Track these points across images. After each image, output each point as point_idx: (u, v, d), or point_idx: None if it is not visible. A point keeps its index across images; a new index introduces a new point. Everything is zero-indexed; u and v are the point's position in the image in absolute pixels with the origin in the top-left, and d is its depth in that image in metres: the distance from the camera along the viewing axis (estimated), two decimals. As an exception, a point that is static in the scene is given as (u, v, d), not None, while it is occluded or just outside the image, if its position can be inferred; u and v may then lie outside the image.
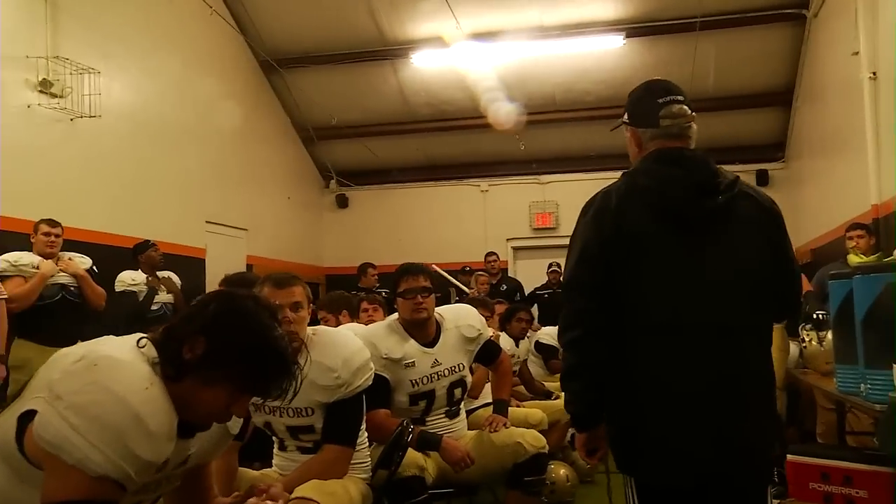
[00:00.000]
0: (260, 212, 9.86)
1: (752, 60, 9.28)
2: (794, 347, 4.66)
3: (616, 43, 9.04)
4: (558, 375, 6.42)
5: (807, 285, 4.72)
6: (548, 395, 5.54)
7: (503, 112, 9.59)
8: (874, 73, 6.23)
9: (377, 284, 8.76)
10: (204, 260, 8.52)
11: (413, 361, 3.38)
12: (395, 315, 3.52)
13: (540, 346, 6.69)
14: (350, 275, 9.75)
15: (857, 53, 6.44)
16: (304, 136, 11.17)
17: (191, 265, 8.11)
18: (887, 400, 2.76)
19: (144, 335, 1.65)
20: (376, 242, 11.03)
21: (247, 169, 9.59)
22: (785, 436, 4.94)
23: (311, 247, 11.55)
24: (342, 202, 11.84)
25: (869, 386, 2.92)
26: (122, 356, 1.55)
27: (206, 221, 8.66)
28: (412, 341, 3.42)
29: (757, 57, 9.26)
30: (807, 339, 3.97)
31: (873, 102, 6.23)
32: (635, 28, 9.04)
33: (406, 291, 3.38)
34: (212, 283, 8.47)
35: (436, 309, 3.55)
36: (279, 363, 1.65)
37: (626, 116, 2.19)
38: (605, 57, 9.25)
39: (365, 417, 3.01)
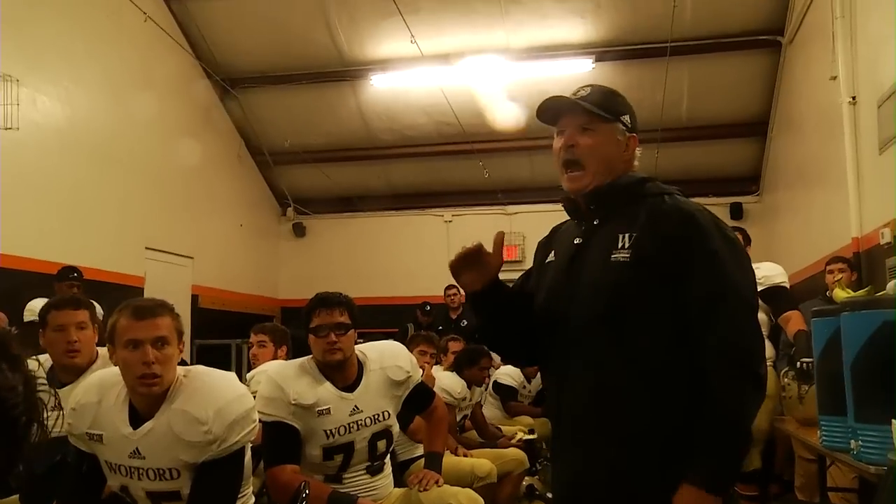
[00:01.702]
0: (209, 239, 9.32)
1: (726, 88, 8.96)
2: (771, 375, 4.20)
3: (585, 67, 8.69)
4: (517, 419, 6.00)
5: (801, 324, 4.26)
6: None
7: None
8: (853, 98, 5.90)
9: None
10: (142, 289, 7.95)
11: (328, 408, 2.85)
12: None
13: (498, 387, 6.22)
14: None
15: (835, 78, 6.12)
16: (259, 160, 10.69)
17: (126, 294, 7.52)
18: (885, 461, 2.30)
19: None
20: (335, 274, 10.51)
21: (195, 193, 9.06)
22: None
23: (266, 277, 11.01)
24: (299, 231, 11.34)
25: (861, 444, 2.47)
26: None
27: (146, 248, 8.11)
28: (328, 384, 2.89)
29: (731, 85, 8.94)
30: (787, 387, 3.50)
31: (853, 128, 5.89)
32: (605, 51, 8.69)
33: (318, 328, 2.86)
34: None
35: (359, 347, 3.04)
36: (4, 420, 1.06)
37: (628, 119, 1.90)
38: (573, 81, 8.81)
39: (267, 475, 2.51)
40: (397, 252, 10.78)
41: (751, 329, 1.71)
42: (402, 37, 8.19)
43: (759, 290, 4.25)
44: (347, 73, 9.31)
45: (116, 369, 2.27)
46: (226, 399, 2.23)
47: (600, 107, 1.84)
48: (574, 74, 8.58)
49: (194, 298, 8.94)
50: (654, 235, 1.73)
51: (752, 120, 9.36)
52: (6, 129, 5.87)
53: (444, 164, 10.18)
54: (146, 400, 2.21)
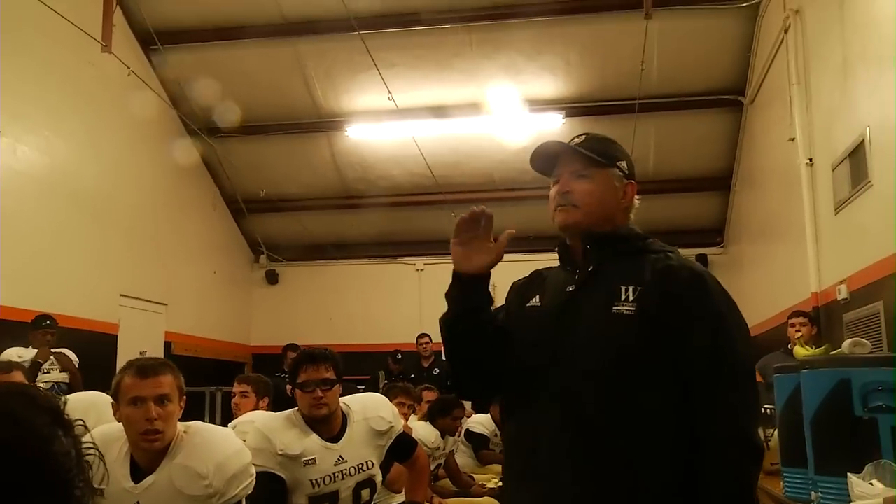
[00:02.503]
0: (182, 286, 9.35)
1: (691, 144, 9.28)
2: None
3: (556, 122, 8.94)
4: (489, 467, 6.09)
5: (757, 377, 4.45)
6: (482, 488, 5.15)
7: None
8: (811, 160, 6.18)
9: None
10: (116, 336, 7.96)
11: (314, 458, 2.93)
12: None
13: (470, 435, 6.31)
14: (279, 354, 9.28)
15: (793, 140, 6.42)
16: (233, 207, 10.77)
17: (101, 342, 7.57)
18: (842, 512, 2.44)
19: None
20: (307, 321, 10.57)
21: (168, 240, 9.11)
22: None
23: (239, 324, 11.02)
24: (272, 278, 11.38)
25: (821, 495, 2.61)
26: None
27: (121, 295, 8.12)
28: (314, 436, 2.98)
29: (696, 141, 9.26)
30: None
31: (811, 188, 6.16)
32: (575, 107, 8.96)
33: (305, 384, 2.96)
34: (124, 361, 7.91)
35: (342, 399, 3.14)
36: (56, 490, 1.17)
37: (625, 165, 1.84)
38: (544, 136, 9.13)
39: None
40: (369, 300, 10.83)
41: (752, 399, 1.67)
42: (377, 90, 8.40)
43: None
44: (323, 124, 9.49)
45: (118, 425, 2.37)
46: (225, 454, 2.33)
47: (596, 152, 1.79)
48: (545, 130, 8.84)
49: (167, 345, 8.94)
50: (661, 291, 1.66)
51: (716, 174, 9.68)
52: (-14, 178, 5.93)
53: (416, 213, 10.33)
54: (148, 455, 2.30)
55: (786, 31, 6.61)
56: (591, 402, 1.63)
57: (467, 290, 1.78)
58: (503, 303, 1.94)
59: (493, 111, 8.97)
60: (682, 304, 1.65)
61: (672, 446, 1.60)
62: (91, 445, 1.26)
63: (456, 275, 1.78)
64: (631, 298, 1.66)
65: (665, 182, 9.63)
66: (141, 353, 8.24)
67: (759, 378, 4.37)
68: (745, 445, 1.59)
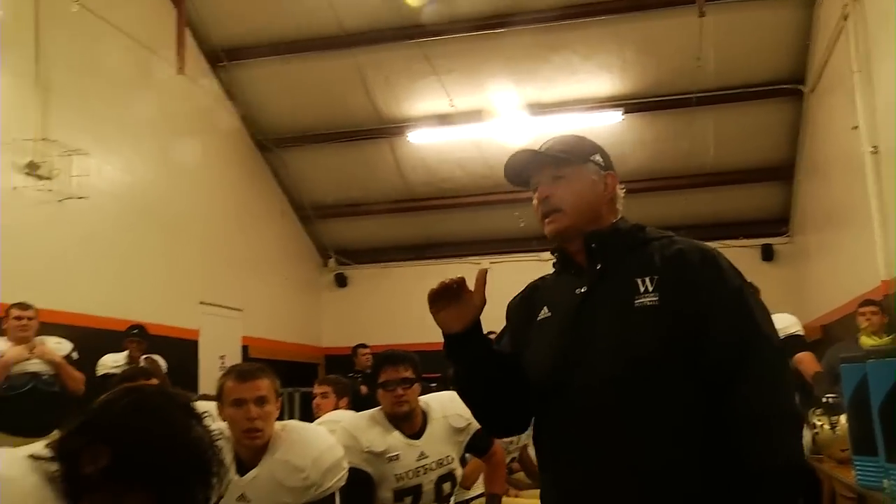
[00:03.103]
0: (256, 292, 9.69)
1: (751, 135, 9.23)
2: (806, 433, 4.40)
3: (614, 119, 9.01)
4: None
5: (815, 365, 4.50)
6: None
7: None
8: (875, 147, 6.12)
9: (370, 367, 8.55)
10: (197, 342, 8.32)
11: (397, 455, 3.14)
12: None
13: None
14: (349, 355, 9.55)
15: (856, 128, 6.36)
16: (301, 214, 11.09)
17: (183, 347, 7.93)
18: (916, 499, 2.52)
19: (49, 444, 1.41)
20: (375, 322, 10.83)
21: (242, 249, 9.46)
22: None
23: (310, 327, 11.35)
24: (341, 281, 11.69)
25: (893, 482, 2.69)
26: (11, 473, 1.32)
27: (200, 302, 8.49)
28: (396, 433, 3.19)
29: (756, 132, 9.21)
30: (818, 425, 3.73)
31: (876, 177, 6.11)
32: (633, 104, 9.02)
33: (386, 383, 3.17)
34: (205, 366, 8.29)
35: (422, 398, 3.34)
36: (200, 469, 1.40)
37: (599, 158, 1.81)
38: (603, 133, 9.17)
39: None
40: None
41: (784, 369, 1.65)
42: (436, 95, 8.61)
43: None
44: (385, 130, 9.73)
45: (222, 424, 2.60)
46: (320, 449, 2.54)
47: (565, 152, 1.77)
48: (603, 127, 8.92)
49: (244, 349, 9.28)
50: (676, 277, 1.63)
51: (778, 164, 9.61)
52: (79, 198, 6.30)
53: (479, 214, 10.50)
54: (250, 451, 2.53)
55: (845, 19, 6.56)
56: (627, 399, 1.58)
57: (464, 348, 1.74)
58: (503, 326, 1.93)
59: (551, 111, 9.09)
60: (700, 287, 1.61)
61: (705, 434, 1.56)
62: (219, 431, 1.49)
63: (448, 337, 1.75)
64: (651, 289, 1.62)
65: (726, 174, 9.62)
66: (220, 358, 8.64)
67: (820, 367, 4.42)
68: (792, 420, 1.58)
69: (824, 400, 3.72)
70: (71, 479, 1.33)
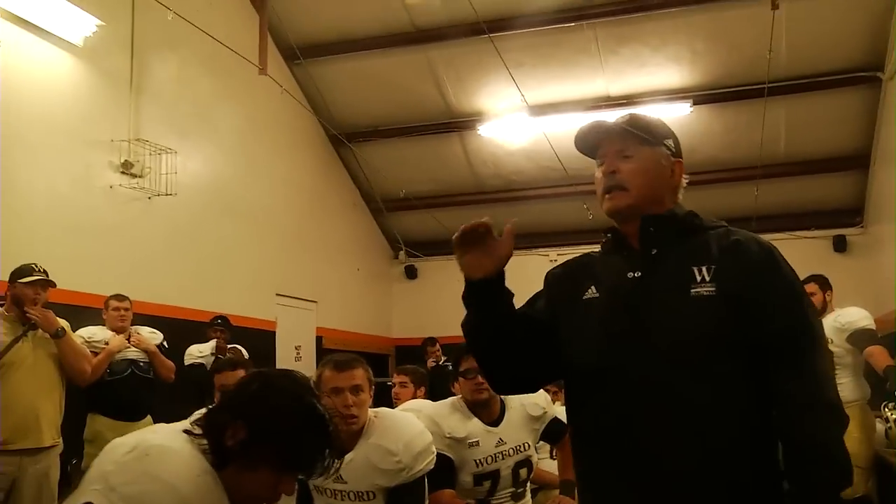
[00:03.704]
0: (329, 283, 9.99)
1: (824, 124, 9.11)
2: (879, 426, 4.44)
3: (683, 110, 9.00)
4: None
5: (887, 358, 4.51)
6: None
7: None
8: (955, 136, 6.04)
9: (442, 358, 8.77)
10: (274, 332, 8.65)
11: (477, 441, 3.33)
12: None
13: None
14: (419, 346, 9.77)
15: (935, 116, 6.27)
16: (373, 207, 11.36)
17: (261, 338, 8.24)
18: None
19: (195, 421, 1.67)
20: (444, 313, 10.88)
21: (317, 241, 9.77)
22: None
23: (381, 318, 11.63)
24: (411, 273, 11.92)
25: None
26: (173, 445, 1.58)
27: (277, 294, 8.80)
28: (476, 420, 3.37)
29: (829, 120, 9.08)
30: (892, 418, 3.78)
31: (955, 166, 6.02)
32: (702, 95, 8.99)
33: (467, 371, 3.35)
34: (281, 356, 8.62)
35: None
36: (321, 439, 1.67)
37: (672, 143, 1.80)
38: (672, 124, 9.14)
39: (429, 499, 2.98)
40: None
41: (830, 367, 1.69)
42: (506, 88, 8.71)
43: (847, 334, 4.55)
44: (455, 124, 9.90)
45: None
46: (411, 434, 2.74)
47: (642, 130, 1.75)
48: (672, 118, 8.91)
49: (318, 340, 9.59)
50: (735, 267, 1.62)
51: (852, 154, 9.44)
52: (168, 195, 6.64)
53: (548, 206, 10.57)
54: (346, 436, 2.73)
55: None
56: (682, 388, 1.58)
57: (483, 295, 1.74)
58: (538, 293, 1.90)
59: (619, 103, 9.12)
60: (758, 279, 1.61)
61: (760, 424, 1.60)
62: (334, 409, 1.77)
63: (469, 283, 1.74)
64: (707, 279, 1.61)
65: (798, 164, 9.52)
66: (296, 348, 8.95)
67: (892, 361, 4.42)
68: (835, 412, 1.60)
69: None
70: (217, 450, 1.59)
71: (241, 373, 2.78)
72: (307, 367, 8.82)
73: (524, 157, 10.08)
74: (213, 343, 6.28)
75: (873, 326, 4.87)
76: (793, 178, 9.62)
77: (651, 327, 1.62)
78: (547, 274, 1.91)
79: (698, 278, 1.61)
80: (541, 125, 9.24)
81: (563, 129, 9.33)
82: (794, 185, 9.67)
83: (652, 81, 8.97)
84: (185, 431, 1.63)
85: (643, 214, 1.71)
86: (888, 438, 4.06)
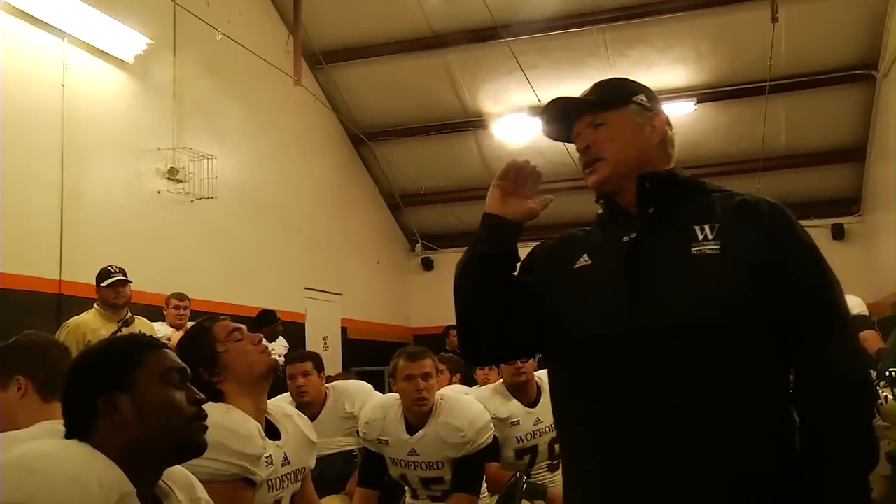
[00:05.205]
0: (352, 277, 10.49)
1: (822, 119, 9.57)
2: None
3: (688, 108, 9.43)
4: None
5: (879, 342, 4.98)
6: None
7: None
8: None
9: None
10: (304, 324, 9.12)
11: (518, 420, 3.78)
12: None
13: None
14: (436, 334, 10.17)
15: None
16: (390, 203, 11.85)
17: (292, 329, 8.68)
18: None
19: None
20: (460, 303, 11.46)
21: (340, 237, 10.25)
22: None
23: (399, 308, 12.13)
24: (427, 265, 12.41)
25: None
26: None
27: (305, 288, 9.29)
28: (515, 402, 3.82)
29: (828, 116, 9.55)
30: (882, 395, 4.24)
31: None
32: (706, 93, 9.45)
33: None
34: (310, 347, 9.06)
35: (536, 372, 3.98)
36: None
37: (643, 98, 1.64)
38: (677, 121, 9.51)
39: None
40: None
41: (857, 335, 1.53)
42: (521, 89, 9.16)
43: None
44: (470, 123, 10.38)
45: (392, 395, 3.30)
46: (474, 413, 3.22)
47: (605, 95, 1.63)
48: (678, 115, 9.35)
49: (343, 331, 10.09)
50: (742, 226, 1.47)
51: (850, 146, 9.92)
52: (209, 198, 7.11)
53: (560, 199, 10.93)
54: (417, 415, 3.22)
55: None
56: (687, 360, 1.41)
57: (495, 234, 1.61)
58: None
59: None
60: (770, 237, 1.46)
61: (777, 396, 1.46)
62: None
63: (486, 217, 1.63)
64: (710, 237, 1.46)
65: (798, 157, 9.99)
66: (323, 339, 9.42)
67: (883, 345, 4.90)
68: (865, 386, 1.47)
69: (888, 374, 4.23)
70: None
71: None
72: (334, 356, 9.33)
73: (536, 153, 10.39)
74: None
75: (867, 313, 5.35)
76: (793, 171, 10.08)
77: (648, 293, 1.46)
78: (534, 247, 1.75)
79: (700, 237, 1.47)
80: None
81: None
82: (795, 176, 10.12)
83: (659, 81, 9.38)
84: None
85: (638, 175, 1.57)
86: (878, 414, 4.51)
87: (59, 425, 1.82)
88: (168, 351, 1.63)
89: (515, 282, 1.64)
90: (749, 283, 1.42)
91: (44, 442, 1.52)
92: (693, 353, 1.41)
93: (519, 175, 1.64)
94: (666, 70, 9.32)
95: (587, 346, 1.51)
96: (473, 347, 1.73)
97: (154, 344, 1.64)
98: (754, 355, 1.43)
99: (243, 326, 2.34)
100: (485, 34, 8.92)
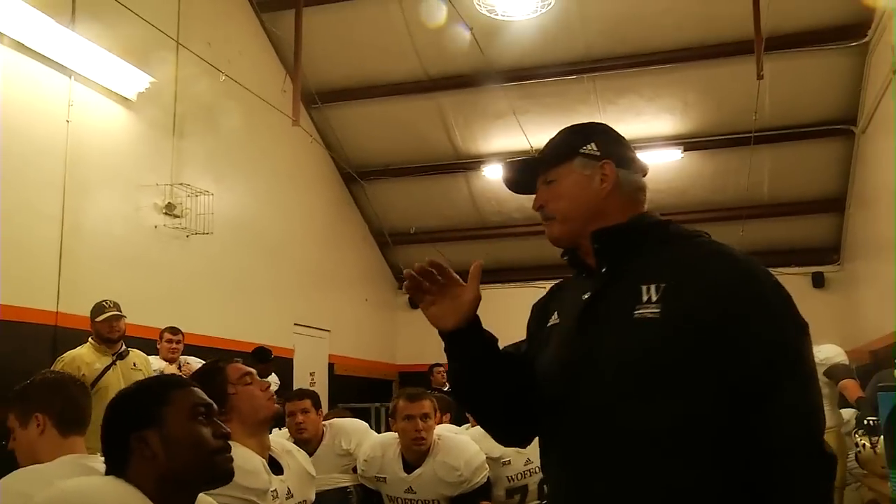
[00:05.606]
0: (341, 313, 10.57)
1: (804, 171, 9.82)
2: (850, 452, 5.06)
3: (675, 156, 9.68)
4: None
5: (858, 391, 5.12)
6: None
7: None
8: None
9: (446, 383, 9.26)
10: (292, 359, 9.18)
11: (509, 460, 3.87)
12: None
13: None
14: (421, 371, 10.25)
15: (903, 167, 6.93)
16: (380, 241, 11.97)
17: (281, 364, 8.74)
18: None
19: None
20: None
21: (330, 274, 10.36)
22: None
23: (386, 345, 12.20)
24: (414, 303, 12.36)
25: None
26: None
27: (295, 323, 9.36)
28: (507, 443, 3.94)
29: (809, 167, 9.79)
30: (860, 443, 4.39)
31: (925, 213, 6.66)
32: (693, 142, 9.70)
33: None
34: (298, 382, 9.12)
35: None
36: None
37: (592, 147, 1.58)
38: (664, 168, 9.90)
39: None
40: (503, 322, 11.36)
41: (818, 403, 1.40)
42: (512, 134, 9.39)
43: (824, 369, 5.12)
44: (461, 165, 10.58)
45: (391, 434, 3.41)
46: (470, 453, 3.34)
47: (552, 150, 1.61)
48: (664, 163, 9.61)
49: (330, 366, 10.15)
50: (693, 283, 1.40)
51: (830, 196, 10.17)
52: (204, 233, 7.21)
53: (547, 241, 11.17)
54: (415, 454, 3.32)
55: (894, 73, 7.16)
56: (632, 424, 1.38)
57: (460, 345, 1.57)
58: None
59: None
60: (722, 295, 1.39)
61: (723, 467, 1.37)
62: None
63: (441, 335, 1.59)
64: (654, 299, 1.41)
65: (780, 206, 10.23)
66: (310, 374, 9.48)
67: (862, 393, 5.05)
68: (820, 457, 1.35)
69: (865, 422, 4.37)
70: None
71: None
72: (320, 391, 9.22)
73: (526, 196, 10.66)
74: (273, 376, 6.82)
75: (847, 361, 5.50)
76: (775, 219, 10.34)
77: (598, 354, 1.45)
78: (533, 305, 1.77)
79: (644, 298, 1.42)
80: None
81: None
82: (777, 225, 10.38)
83: (647, 129, 9.64)
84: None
85: (591, 232, 1.55)
86: (857, 461, 4.65)
87: (81, 460, 1.97)
88: (195, 389, 1.76)
89: (510, 360, 1.63)
90: (689, 348, 1.36)
91: (83, 479, 1.64)
92: (626, 422, 1.38)
93: (425, 280, 1.59)
94: (654, 119, 9.57)
95: (546, 406, 1.53)
96: (509, 438, 1.73)
97: (181, 382, 1.77)
98: (701, 424, 1.36)
99: (254, 371, 2.45)
100: (478, 79, 9.16)
